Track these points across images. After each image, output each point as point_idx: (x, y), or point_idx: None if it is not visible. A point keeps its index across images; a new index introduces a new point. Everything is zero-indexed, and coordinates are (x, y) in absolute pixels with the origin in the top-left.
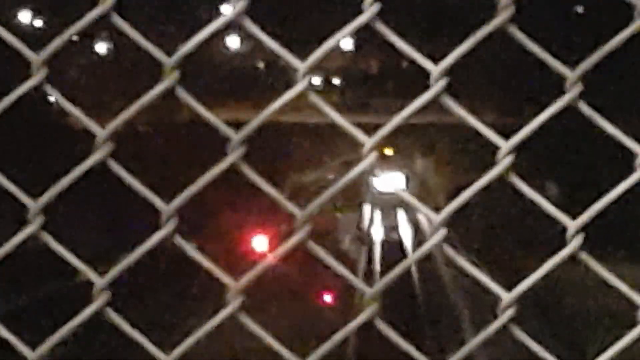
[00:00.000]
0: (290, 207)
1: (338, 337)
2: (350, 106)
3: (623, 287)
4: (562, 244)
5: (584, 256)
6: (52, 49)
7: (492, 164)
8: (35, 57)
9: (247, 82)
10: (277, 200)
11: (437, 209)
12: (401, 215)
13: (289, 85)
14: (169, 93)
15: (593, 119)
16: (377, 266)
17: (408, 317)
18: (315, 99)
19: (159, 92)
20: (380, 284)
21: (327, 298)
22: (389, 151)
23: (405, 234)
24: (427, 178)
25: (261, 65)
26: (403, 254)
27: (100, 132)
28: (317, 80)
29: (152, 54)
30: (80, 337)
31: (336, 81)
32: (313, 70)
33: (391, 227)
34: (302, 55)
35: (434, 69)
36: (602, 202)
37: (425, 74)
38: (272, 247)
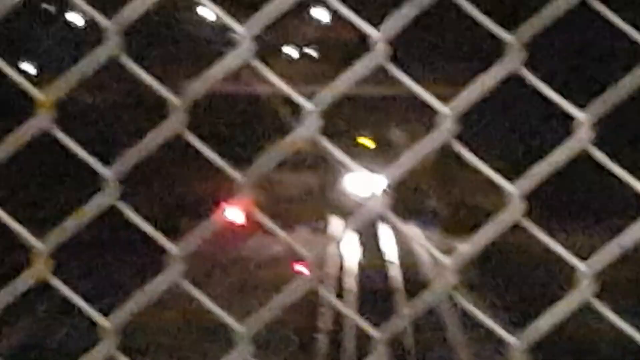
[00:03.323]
0: (231, 171)
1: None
2: (328, 77)
3: (563, 252)
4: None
5: (526, 222)
6: (59, 91)
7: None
8: (42, 98)
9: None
10: (218, 165)
11: (434, 214)
12: (384, 230)
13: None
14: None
15: (536, 85)
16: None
17: None
18: (258, 64)
19: (100, 57)
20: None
21: (300, 268)
22: (367, 142)
23: (390, 253)
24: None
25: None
26: (387, 283)
27: (42, 99)
28: (293, 52)
29: (95, 19)
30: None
31: (312, 52)
32: (256, 35)
33: (370, 245)
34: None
35: (377, 36)
36: (541, 167)
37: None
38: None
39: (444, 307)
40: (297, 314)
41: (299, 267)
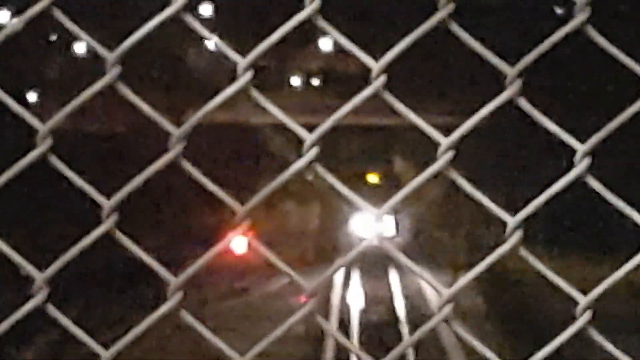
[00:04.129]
0: (230, 202)
1: (279, 331)
2: (331, 106)
3: (561, 283)
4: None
5: (524, 252)
6: (58, 119)
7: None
8: (41, 127)
9: (221, 84)
10: (217, 194)
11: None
12: (393, 275)
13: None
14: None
15: (533, 115)
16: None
17: None
18: (256, 94)
19: (99, 87)
20: None
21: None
22: (373, 177)
23: (398, 301)
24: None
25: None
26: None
27: (42, 127)
28: (296, 81)
29: (95, 48)
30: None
31: (315, 82)
32: (254, 65)
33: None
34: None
35: (374, 66)
36: (540, 198)
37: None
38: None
39: (446, 336)
40: (303, 346)
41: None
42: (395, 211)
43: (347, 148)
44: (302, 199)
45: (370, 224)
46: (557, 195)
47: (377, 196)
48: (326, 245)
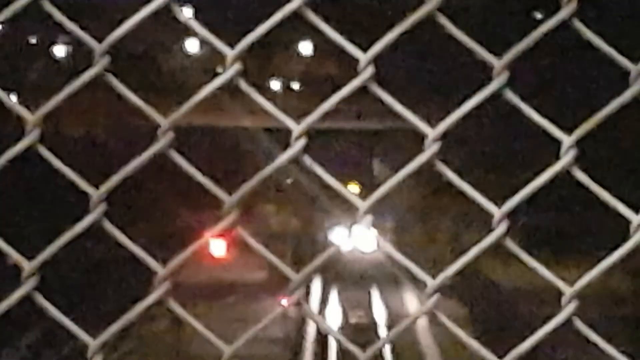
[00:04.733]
0: (219, 192)
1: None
2: (310, 110)
3: (547, 273)
4: None
5: (509, 243)
6: (47, 109)
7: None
8: (30, 116)
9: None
10: (206, 185)
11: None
12: (375, 300)
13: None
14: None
15: (520, 107)
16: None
17: None
18: (245, 86)
19: (88, 77)
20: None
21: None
22: (353, 187)
23: (379, 316)
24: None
25: (220, 70)
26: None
27: (30, 117)
28: (276, 85)
29: (83, 40)
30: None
31: (295, 86)
32: (242, 57)
33: (357, 308)
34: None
35: (362, 57)
36: (526, 190)
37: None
38: (228, 251)
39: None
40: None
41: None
42: (375, 227)
43: (326, 156)
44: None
45: (348, 236)
46: (543, 188)
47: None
48: (305, 257)
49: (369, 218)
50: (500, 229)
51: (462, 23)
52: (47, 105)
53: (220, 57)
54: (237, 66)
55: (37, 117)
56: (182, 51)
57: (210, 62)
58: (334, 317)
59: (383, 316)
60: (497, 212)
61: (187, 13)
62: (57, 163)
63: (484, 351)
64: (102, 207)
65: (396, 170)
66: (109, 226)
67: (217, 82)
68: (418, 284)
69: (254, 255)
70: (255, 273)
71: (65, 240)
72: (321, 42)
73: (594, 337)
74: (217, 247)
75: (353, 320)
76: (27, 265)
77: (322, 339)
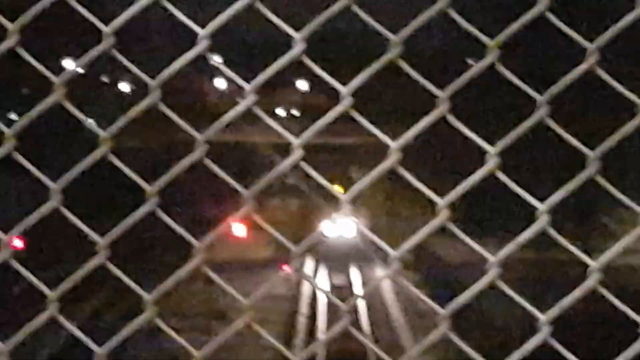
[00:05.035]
0: (240, 188)
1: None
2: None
3: (477, 247)
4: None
5: (451, 225)
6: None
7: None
8: (104, 134)
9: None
10: (228, 182)
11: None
12: (355, 275)
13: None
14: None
15: (458, 127)
16: (321, 325)
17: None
18: (257, 110)
19: (144, 105)
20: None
21: (286, 268)
22: (338, 188)
23: (355, 280)
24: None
25: (239, 100)
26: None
27: (103, 135)
28: (281, 112)
29: (142, 78)
30: None
31: (295, 112)
32: (258, 89)
33: (339, 275)
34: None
35: (344, 90)
36: (462, 186)
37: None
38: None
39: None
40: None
41: (285, 268)
42: (355, 216)
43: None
44: (284, 209)
45: (334, 227)
46: (476, 185)
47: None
48: (300, 239)
49: (349, 207)
50: (443, 215)
51: (417, 65)
52: (117, 125)
53: (240, 91)
54: (253, 97)
55: (109, 135)
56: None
57: (231, 95)
58: (321, 281)
59: (358, 280)
60: (441, 202)
61: (216, 59)
62: (122, 167)
63: (431, 303)
64: (155, 200)
65: (368, 173)
66: (160, 213)
67: (240, 108)
68: (385, 260)
69: (263, 236)
70: (265, 251)
71: (129, 223)
72: (314, 79)
73: (510, 291)
74: (239, 230)
75: (335, 282)
76: (101, 242)
77: (313, 296)
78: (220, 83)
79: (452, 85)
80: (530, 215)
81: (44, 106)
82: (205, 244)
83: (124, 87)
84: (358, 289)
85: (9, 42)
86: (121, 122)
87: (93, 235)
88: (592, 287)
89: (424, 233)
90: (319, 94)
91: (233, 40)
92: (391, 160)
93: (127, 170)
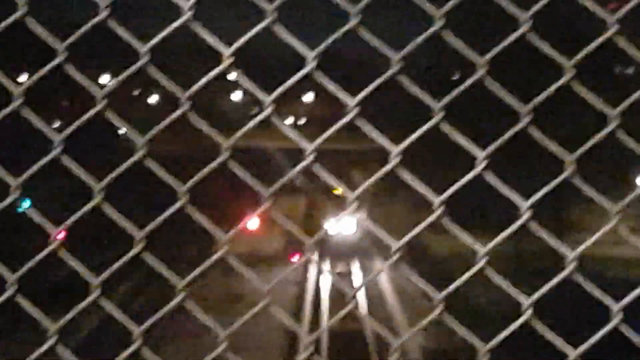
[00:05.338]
0: (258, 186)
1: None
2: (311, 138)
3: (468, 239)
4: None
5: (445, 221)
6: (150, 136)
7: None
8: (140, 140)
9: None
10: (250, 184)
11: None
12: (355, 266)
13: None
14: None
15: (452, 134)
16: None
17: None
18: (275, 119)
19: (176, 116)
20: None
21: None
22: (337, 192)
23: (355, 269)
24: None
25: (256, 110)
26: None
27: (140, 141)
28: (289, 121)
29: (174, 91)
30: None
31: (302, 122)
32: (276, 101)
33: (343, 276)
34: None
35: (351, 101)
36: (455, 186)
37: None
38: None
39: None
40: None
41: (294, 258)
42: (356, 214)
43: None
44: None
45: (338, 225)
46: (467, 184)
47: (342, 202)
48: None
49: (356, 204)
50: (440, 211)
51: (415, 79)
52: (150, 133)
53: (255, 102)
54: (271, 107)
55: (144, 142)
56: (229, 99)
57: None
58: (326, 270)
59: (357, 269)
60: (435, 200)
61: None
62: (157, 169)
63: (426, 286)
64: (186, 198)
65: (370, 176)
66: (190, 209)
67: (260, 117)
68: (384, 253)
69: (275, 231)
70: (276, 244)
71: (163, 218)
72: (321, 91)
73: (499, 280)
74: (252, 224)
75: (338, 270)
76: (139, 234)
77: (318, 281)
78: (235, 96)
79: (443, 99)
80: (506, 211)
81: (88, 116)
82: (230, 237)
83: (152, 98)
84: (357, 276)
85: (59, 59)
86: (155, 130)
87: (131, 229)
88: (568, 275)
89: (421, 227)
90: (323, 104)
91: (248, 56)
92: (392, 164)
93: (161, 173)
